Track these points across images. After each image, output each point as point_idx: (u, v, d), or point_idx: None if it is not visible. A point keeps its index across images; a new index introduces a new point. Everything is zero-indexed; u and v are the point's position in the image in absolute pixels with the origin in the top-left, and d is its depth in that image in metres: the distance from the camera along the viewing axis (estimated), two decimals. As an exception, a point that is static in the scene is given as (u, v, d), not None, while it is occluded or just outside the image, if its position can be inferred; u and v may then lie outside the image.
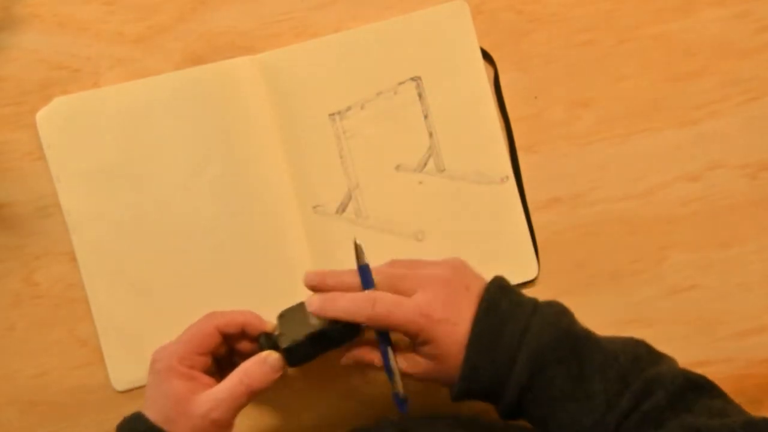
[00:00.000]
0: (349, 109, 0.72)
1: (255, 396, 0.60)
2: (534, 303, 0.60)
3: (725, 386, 0.70)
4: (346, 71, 0.71)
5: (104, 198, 0.70)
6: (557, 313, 0.59)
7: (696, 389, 0.56)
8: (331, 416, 0.71)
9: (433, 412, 0.68)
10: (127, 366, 0.69)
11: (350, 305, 0.60)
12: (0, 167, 0.70)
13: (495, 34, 0.73)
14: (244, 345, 0.64)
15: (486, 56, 0.72)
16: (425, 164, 0.72)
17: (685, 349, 0.65)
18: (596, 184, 0.73)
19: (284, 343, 0.60)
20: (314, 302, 0.61)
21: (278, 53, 0.71)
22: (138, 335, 0.69)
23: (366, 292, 0.60)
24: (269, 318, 0.64)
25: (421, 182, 0.71)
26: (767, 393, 0.71)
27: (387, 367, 0.61)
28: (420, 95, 0.72)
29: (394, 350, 0.61)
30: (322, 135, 0.71)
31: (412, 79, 0.72)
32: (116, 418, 0.68)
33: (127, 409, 0.69)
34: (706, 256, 0.73)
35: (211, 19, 0.72)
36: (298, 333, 0.60)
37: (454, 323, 0.58)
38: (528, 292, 0.71)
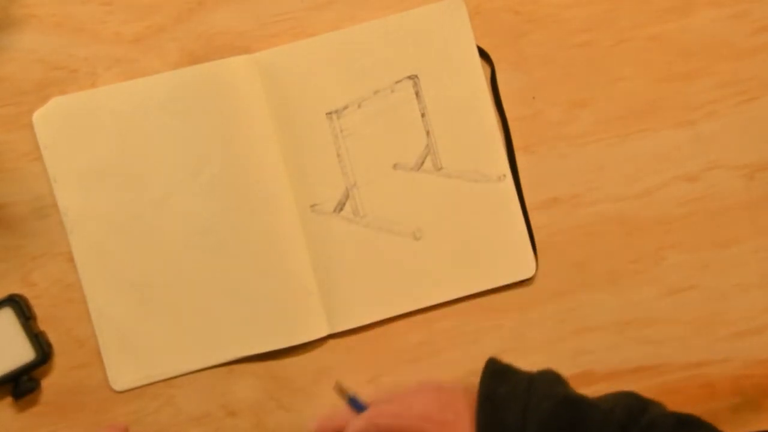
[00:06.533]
0: (346, 107, 0.72)
1: None
2: (528, 378, 0.61)
3: (723, 387, 0.71)
4: (343, 70, 0.71)
5: (102, 198, 0.70)
6: (550, 382, 0.61)
7: (686, 425, 0.59)
8: None
9: None
10: (126, 366, 0.69)
11: None
12: (-3, 168, 0.71)
13: (493, 34, 0.73)
14: None
15: (483, 54, 0.72)
16: (422, 162, 0.72)
17: (684, 350, 0.65)
18: (594, 185, 0.73)
19: None
20: None
21: (275, 52, 0.71)
22: (136, 335, 0.69)
23: (363, 416, 0.62)
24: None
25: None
26: (765, 393, 0.71)
27: None
28: (417, 93, 0.72)
29: None
30: (320, 134, 0.71)
31: (409, 77, 0.72)
32: (114, 419, 0.68)
33: (125, 410, 0.69)
34: (703, 257, 0.73)
35: (208, 19, 0.72)
36: None
37: (453, 423, 0.60)
38: (525, 292, 0.72)
